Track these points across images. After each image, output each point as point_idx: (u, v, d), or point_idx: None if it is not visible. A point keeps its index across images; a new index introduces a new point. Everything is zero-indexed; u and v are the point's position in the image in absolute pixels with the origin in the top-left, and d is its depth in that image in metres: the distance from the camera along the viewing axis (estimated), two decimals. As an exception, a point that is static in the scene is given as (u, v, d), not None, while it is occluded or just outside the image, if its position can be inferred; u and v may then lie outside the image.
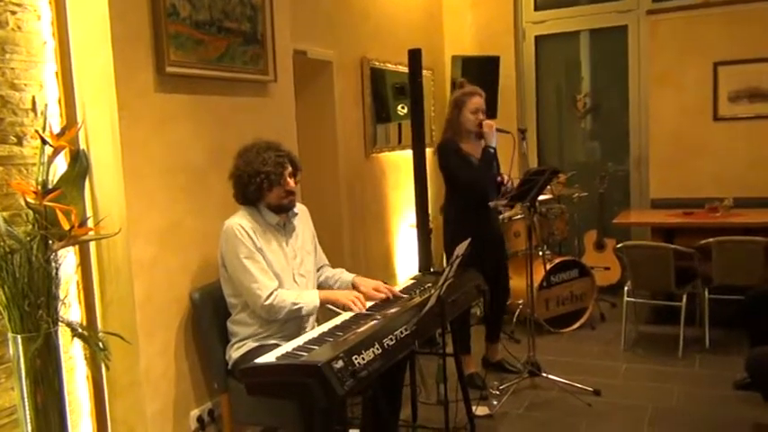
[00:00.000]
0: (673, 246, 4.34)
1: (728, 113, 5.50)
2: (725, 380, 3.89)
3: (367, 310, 2.79)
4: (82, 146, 2.63)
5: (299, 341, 2.48)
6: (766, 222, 4.61)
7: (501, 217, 4.54)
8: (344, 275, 3.10)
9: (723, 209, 4.99)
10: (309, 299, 2.77)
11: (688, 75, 5.59)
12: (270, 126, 3.43)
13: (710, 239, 4.33)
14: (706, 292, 4.45)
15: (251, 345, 2.75)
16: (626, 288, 4.59)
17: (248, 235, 2.70)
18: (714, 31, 5.47)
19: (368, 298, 2.91)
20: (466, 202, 3.86)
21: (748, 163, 5.44)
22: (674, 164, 5.70)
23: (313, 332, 2.58)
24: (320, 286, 3.02)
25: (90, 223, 2.58)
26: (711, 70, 5.50)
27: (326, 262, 3.15)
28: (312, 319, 2.92)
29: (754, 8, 5.34)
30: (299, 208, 2.97)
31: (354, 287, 2.99)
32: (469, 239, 2.90)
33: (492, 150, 3.80)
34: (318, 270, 3.09)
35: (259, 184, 2.73)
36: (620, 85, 6.13)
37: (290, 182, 2.81)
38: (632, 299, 4.63)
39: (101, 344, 2.44)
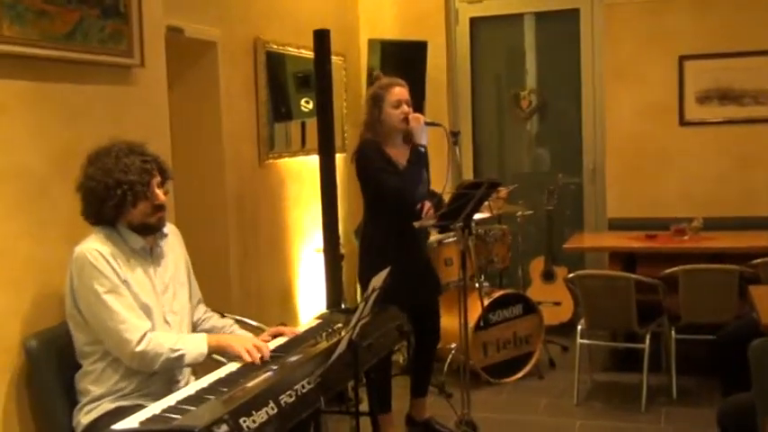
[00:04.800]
0: (634, 276, 4.51)
1: (696, 117, 5.80)
2: (695, 437, 4.07)
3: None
4: None
5: (171, 400, 2.41)
6: (741, 247, 4.87)
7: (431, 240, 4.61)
8: (238, 332, 3.05)
9: (692, 231, 5.23)
10: (194, 344, 2.71)
11: (650, 70, 5.86)
12: (135, 123, 3.36)
13: (677, 268, 4.53)
14: (672, 332, 4.64)
15: (106, 406, 2.67)
16: (579, 327, 4.72)
17: (108, 263, 2.63)
18: (680, 20, 5.77)
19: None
20: (391, 220, 3.88)
21: (719, 177, 5.75)
22: (634, 177, 5.95)
23: (188, 388, 2.52)
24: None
25: None
26: (677, 66, 5.79)
27: (200, 296, 3.10)
28: (187, 371, 2.86)
29: (726, -6, 5.68)
30: (169, 229, 2.92)
31: None
32: (389, 268, 2.92)
33: (422, 149, 3.84)
34: (196, 306, 3.03)
35: (120, 198, 2.66)
36: (572, 81, 6.37)
37: (159, 194, 2.76)
38: (587, 341, 4.76)
39: None
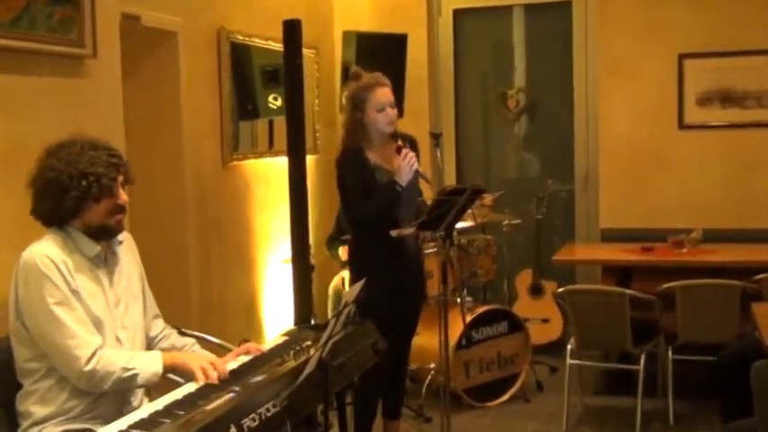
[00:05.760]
0: (629, 291, 4.53)
1: (697, 120, 5.85)
2: (693, 466, 4.10)
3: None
4: None
5: (122, 424, 2.39)
6: (743, 261, 4.92)
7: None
8: (198, 351, 3.04)
9: (690, 243, 5.28)
10: (147, 362, 2.69)
11: (647, 69, 5.91)
12: (86, 118, 3.35)
13: (675, 283, 4.56)
14: (669, 352, 4.67)
15: (51, 430, 2.64)
16: (569, 347, 4.75)
17: (59, 271, 2.60)
18: (680, 15, 5.82)
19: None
20: (374, 233, 3.89)
21: (721, 185, 5.79)
22: (629, 184, 5.98)
23: (141, 411, 2.50)
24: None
25: None
26: (676, 64, 5.84)
27: (158, 312, 3.08)
28: (140, 392, 2.84)
29: (729, -12, 5.74)
30: (123, 236, 2.90)
31: None
32: (364, 280, 2.92)
33: (399, 189, 3.82)
34: (152, 321, 3.02)
35: (84, 191, 2.63)
36: (564, 80, 6.41)
37: (123, 194, 2.75)
38: (577, 361, 4.78)
39: None
